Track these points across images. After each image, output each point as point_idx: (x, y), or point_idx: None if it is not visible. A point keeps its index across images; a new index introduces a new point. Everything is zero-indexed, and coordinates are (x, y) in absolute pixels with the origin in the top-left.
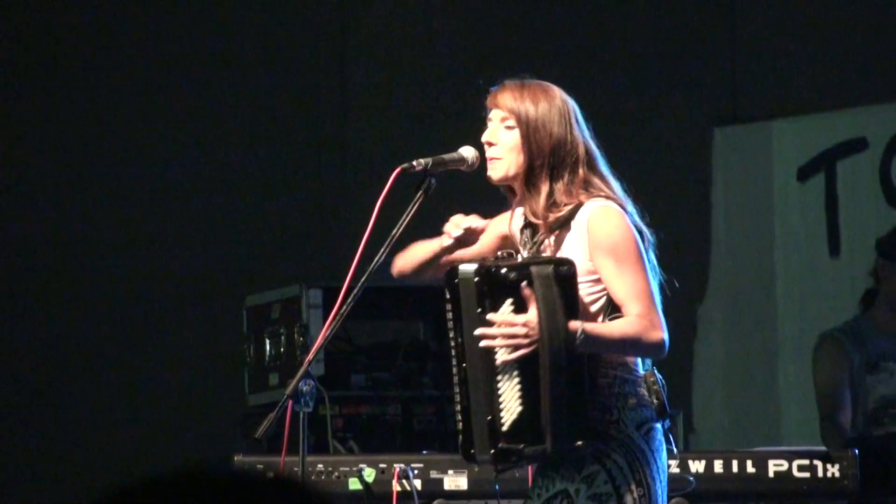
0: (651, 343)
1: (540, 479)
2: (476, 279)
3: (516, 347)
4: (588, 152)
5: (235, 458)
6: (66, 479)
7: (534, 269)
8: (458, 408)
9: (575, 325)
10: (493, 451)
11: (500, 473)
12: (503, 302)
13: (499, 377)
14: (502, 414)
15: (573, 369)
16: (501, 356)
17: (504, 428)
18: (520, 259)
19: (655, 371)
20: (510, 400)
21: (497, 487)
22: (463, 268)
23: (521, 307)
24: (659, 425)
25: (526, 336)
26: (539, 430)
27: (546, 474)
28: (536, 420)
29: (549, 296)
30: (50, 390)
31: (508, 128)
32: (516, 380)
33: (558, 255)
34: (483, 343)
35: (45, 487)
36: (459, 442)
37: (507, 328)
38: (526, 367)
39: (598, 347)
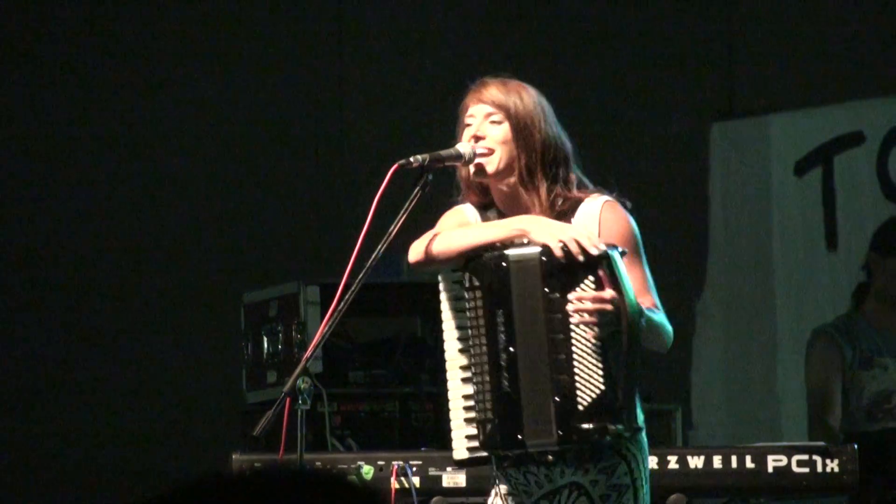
0: (667, 333)
1: (522, 476)
2: (542, 258)
3: (606, 323)
4: (567, 148)
5: (233, 456)
6: (63, 476)
7: (609, 248)
8: (486, 395)
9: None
10: (561, 432)
11: (557, 456)
12: (583, 278)
13: (575, 356)
14: (579, 393)
15: (641, 351)
16: (579, 333)
17: (581, 407)
18: None
19: None
20: (590, 379)
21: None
22: (516, 251)
23: (601, 281)
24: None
25: (614, 312)
26: (617, 409)
27: (529, 471)
28: (615, 399)
29: (623, 274)
30: (48, 388)
31: (495, 122)
32: (595, 359)
33: None
34: (576, 319)
35: (41, 484)
36: (489, 430)
37: (600, 304)
38: (597, 347)
39: (650, 332)
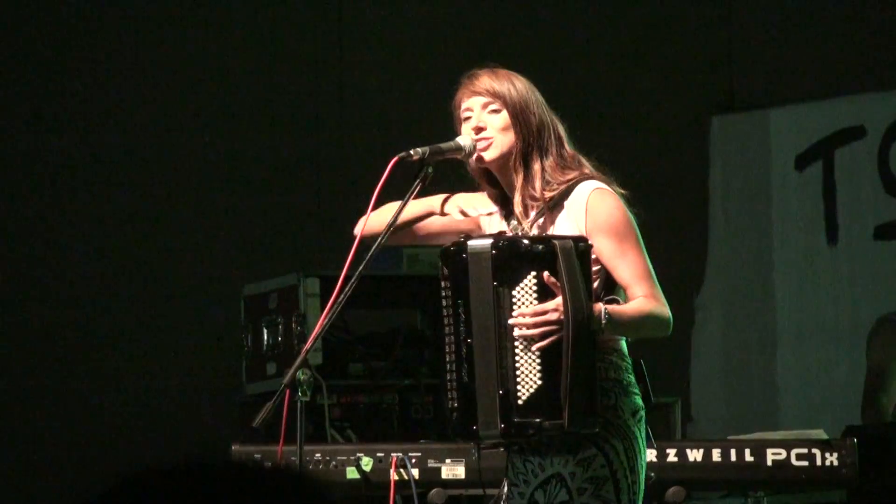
0: (662, 321)
1: (522, 465)
2: (493, 252)
3: (549, 333)
4: (560, 130)
5: (233, 447)
6: (61, 467)
7: (557, 242)
8: (453, 384)
9: (598, 306)
10: (503, 425)
11: (506, 449)
12: (526, 274)
13: (516, 352)
14: (519, 388)
15: (591, 348)
16: (521, 332)
17: (520, 402)
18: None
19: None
20: (529, 374)
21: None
22: (474, 242)
23: (542, 280)
24: (644, 414)
25: (557, 321)
26: (557, 406)
27: (528, 459)
28: (556, 395)
29: (573, 271)
30: (46, 379)
31: (494, 111)
32: (535, 354)
33: (550, 233)
34: (517, 333)
35: (40, 474)
36: (453, 419)
37: (542, 317)
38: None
39: (620, 328)
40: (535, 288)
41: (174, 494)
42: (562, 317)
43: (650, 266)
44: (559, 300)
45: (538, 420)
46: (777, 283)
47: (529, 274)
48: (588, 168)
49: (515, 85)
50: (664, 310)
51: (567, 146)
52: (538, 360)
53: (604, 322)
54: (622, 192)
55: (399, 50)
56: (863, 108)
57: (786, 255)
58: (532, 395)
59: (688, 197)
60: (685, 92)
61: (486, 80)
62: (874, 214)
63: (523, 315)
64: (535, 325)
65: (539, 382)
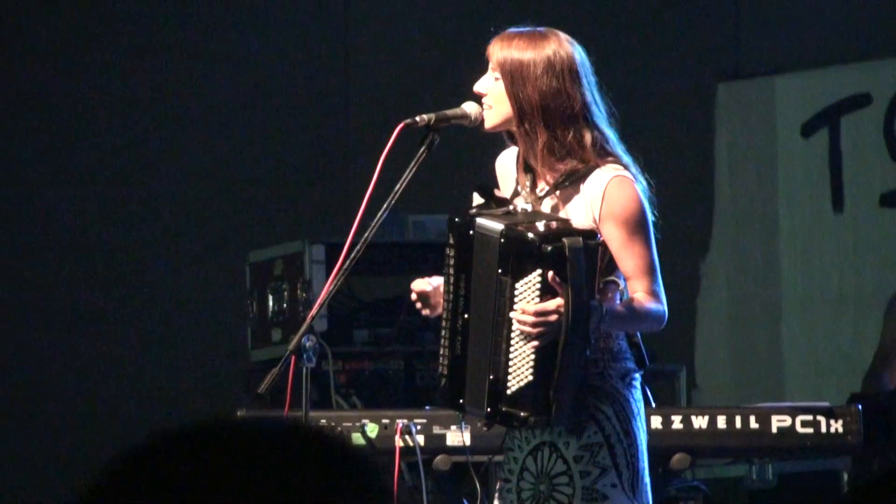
0: (657, 319)
1: (518, 431)
2: (502, 241)
3: (546, 333)
4: (586, 107)
5: (238, 414)
6: (68, 435)
7: (567, 241)
8: (446, 352)
9: (596, 305)
10: (490, 409)
11: (489, 429)
12: (531, 270)
13: (511, 343)
14: (510, 378)
15: (585, 350)
16: (520, 327)
17: (509, 392)
18: (517, 207)
19: None
20: (521, 367)
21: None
22: (483, 221)
23: (547, 279)
24: (639, 376)
25: (557, 321)
26: (546, 403)
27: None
28: (544, 392)
29: (578, 273)
30: (52, 346)
31: (497, 79)
32: (529, 349)
33: (562, 213)
34: (516, 326)
35: (45, 442)
36: (441, 385)
37: (542, 317)
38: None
39: (617, 325)
40: (538, 285)
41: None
42: (562, 319)
43: (656, 261)
44: (561, 301)
45: (524, 414)
46: (782, 251)
47: (535, 271)
48: (617, 154)
49: (523, 54)
50: (661, 308)
51: (583, 124)
52: (532, 355)
53: (603, 320)
54: (644, 185)
55: (403, 18)
56: (869, 76)
57: (791, 223)
58: (522, 388)
59: (693, 164)
60: (691, 59)
61: (496, 46)
62: (880, 182)
63: (525, 311)
64: (535, 325)
65: (530, 377)
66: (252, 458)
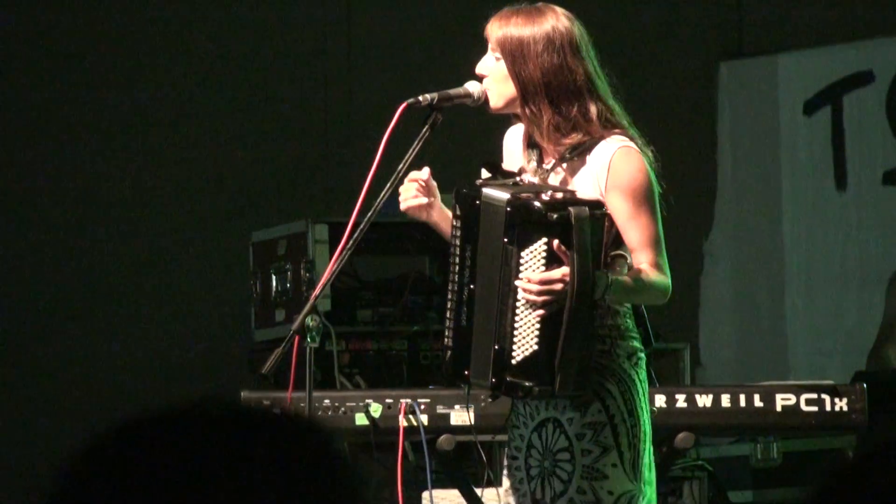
0: (662, 291)
1: (522, 407)
2: (508, 209)
3: (551, 301)
4: (590, 80)
5: (242, 394)
6: (68, 415)
7: (573, 210)
8: (451, 324)
9: (602, 275)
10: (494, 380)
11: (494, 400)
12: (537, 239)
13: (517, 312)
14: (515, 348)
15: (590, 319)
16: (525, 295)
17: (514, 361)
18: (524, 180)
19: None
20: (527, 336)
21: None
22: (489, 191)
23: (553, 247)
24: (644, 356)
25: (562, 290)
26: (550, 373)
27: (527, 402)
28: (549, 362)
29: (584, 242)
30: (56, 325)
31: (497, 59)
32: (535, 318)
33: (570, 186)
34: (521, 295)
35: (47, 419)
36: (447, 358)
37: (548, 286)
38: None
39: (622, 297)
40: (544, 254)
41: (167, 442)
42: (567, 287)
43: (661, 233)
44: (566, 269)
45: (529, 384)
46: (786, 229)
47: (541, 240)
48: (623, 125)
49: (522, 31)
50: (665, 280)
51: (588, 97)
52: (537, 325)
53: (608, 292)
54: (650, 157)
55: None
56: (871, 54)
57: (794, 201)
58: (527, 357)
59: (696, 143)
60: (693, 38)
61: (494, 25)
62: (883, 160)
63: (530, 280)
64: (540, 293)
65: (535, 347)
66: (206, 443)
